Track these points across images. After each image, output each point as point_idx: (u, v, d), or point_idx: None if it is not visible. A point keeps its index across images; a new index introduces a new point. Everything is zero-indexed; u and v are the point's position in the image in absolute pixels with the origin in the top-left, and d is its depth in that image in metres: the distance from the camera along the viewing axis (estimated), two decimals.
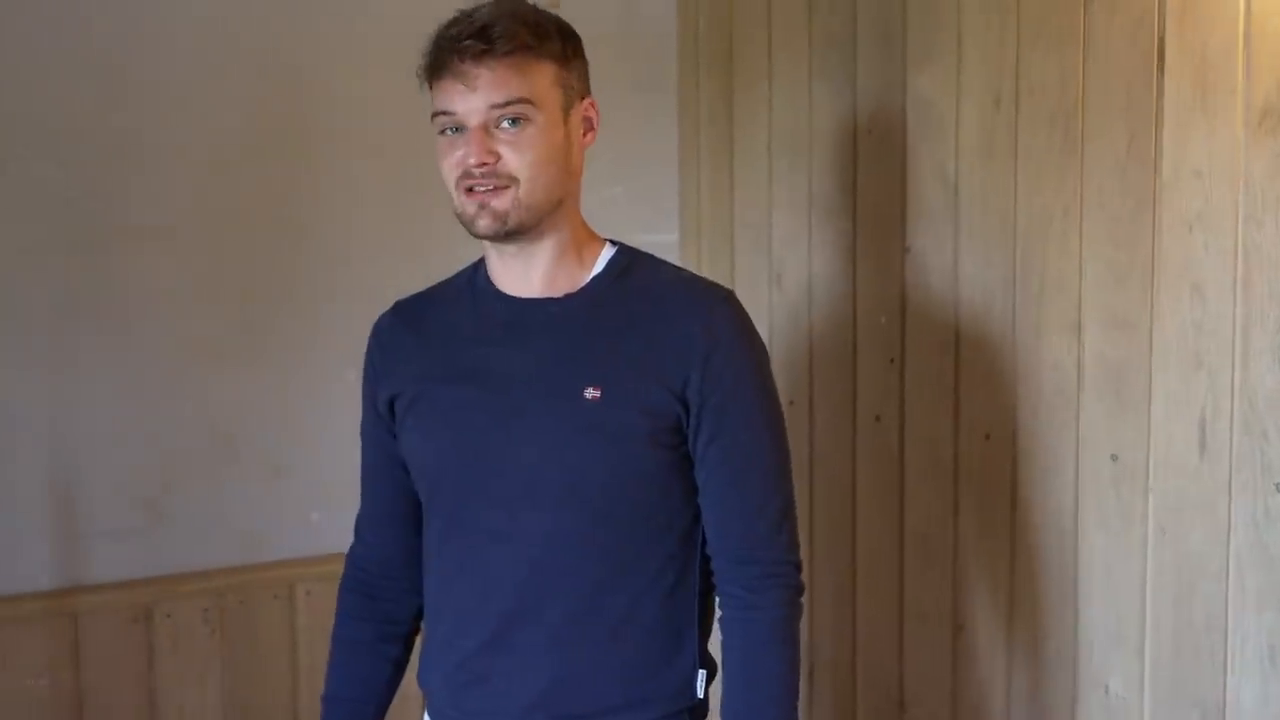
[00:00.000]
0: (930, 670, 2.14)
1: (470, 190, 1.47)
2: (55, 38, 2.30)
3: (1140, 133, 1.69)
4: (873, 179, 2.22)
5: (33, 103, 2.29)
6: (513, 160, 1.46)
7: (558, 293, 1.55)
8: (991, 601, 2.01)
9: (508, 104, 1.45)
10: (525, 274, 1.55)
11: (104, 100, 2.34)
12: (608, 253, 1.58)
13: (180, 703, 2.44)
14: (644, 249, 1.63)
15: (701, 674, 1.57)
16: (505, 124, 1.45)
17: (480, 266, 1.61)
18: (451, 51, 1.45)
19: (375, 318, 1.68)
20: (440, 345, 1.60)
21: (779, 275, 2.48)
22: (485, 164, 1.45)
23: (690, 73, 2.77)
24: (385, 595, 1.69)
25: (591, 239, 1.59)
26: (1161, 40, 1.65)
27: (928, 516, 2.13)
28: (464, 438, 1.54)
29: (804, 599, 1.56)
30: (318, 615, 2.39)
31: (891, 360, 2.19)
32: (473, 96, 1.45)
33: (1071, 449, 1.84)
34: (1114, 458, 1.77)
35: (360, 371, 1.68)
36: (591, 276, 1.56)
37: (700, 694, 1.57)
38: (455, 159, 1.47)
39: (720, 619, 1.57)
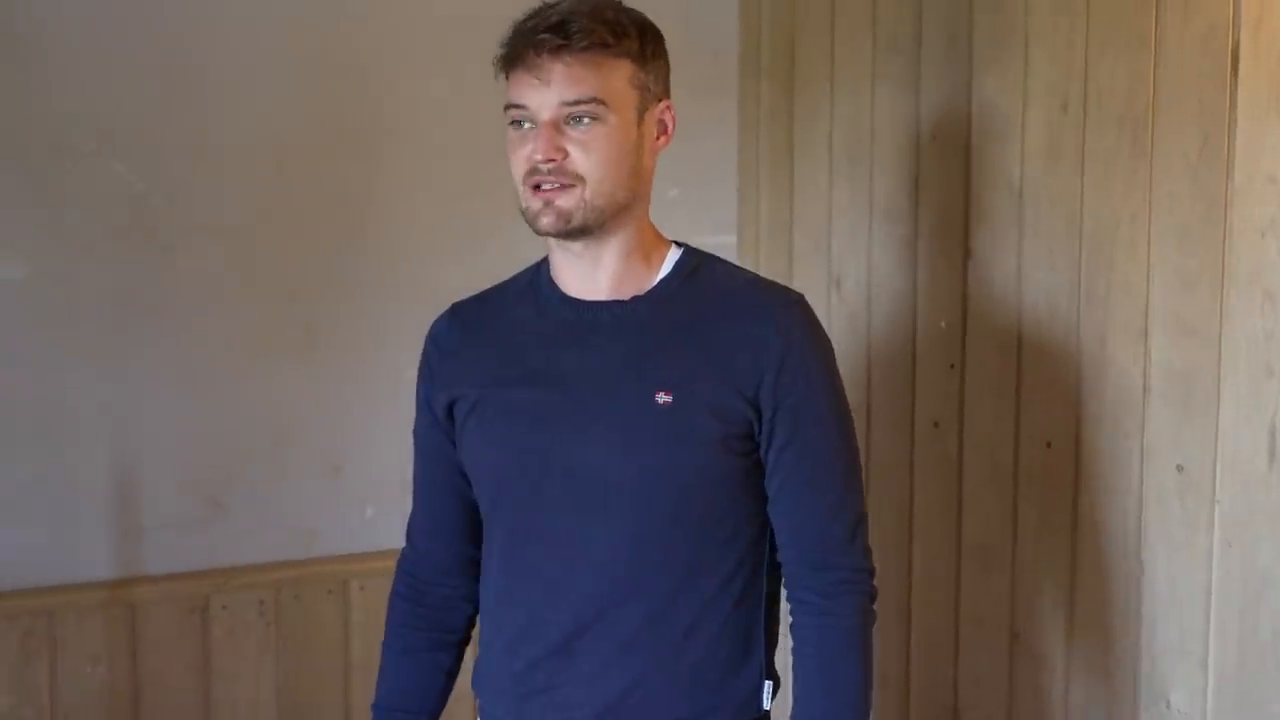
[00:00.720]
0: (986, 679, 2.11)
1: (536, 187, 1.45)
2: (120, 38, 2.34)
3: (1212, 137, 1.66)
4: (935, 183, 2.20)
5: (98, 102, 2.33)
6: (580, 159, 1.44)
7: (624, 295, 1.52)
8: (1050, 611, 1.99)
9: (578, 102, 1.43)
10: (592, 275, 1.52)
11: (168, 99, 2.37)
12: (674, 255, 1.56)
13: (234, 694, 2.46)
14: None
15: (768, 685, 1.55)
16: (575, 122, 1.43)
17: (543, 268, 1.59)
18: (527, 44, 1.43)
19: (434, 316, 1.65)
20: (503, 348, 1.56)
21: (838, 279, 2.46)
22: (552, 160, 1.43)
23: (751, 74, 2.76)
24: (438, 603, 1.66)
25: (659, 241, 1.56)
26: (1236, 45, 1.62)
27: (986, 525, 2.11)
28: (530, 442, 1.51)
29: (876, 606, 1.54)
30: (371, 610, 2.41)
31: (952, 366, 2.16)
32: (545, 91, 1.43)
33: (1136, 458, 1.81)
34: (1179, 468, 1.74)
35: (417, 371, 1.66)
36: (659, 279, 1.54)
37: (766, 705, 1.56)
38: (523, 154, 1.45)
39: (792, 625, 1.54)
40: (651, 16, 1.51)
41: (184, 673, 2.43)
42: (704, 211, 2.81)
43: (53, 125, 2.30)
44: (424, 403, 1.63)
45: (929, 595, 2.24)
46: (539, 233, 1.49)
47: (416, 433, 1.66)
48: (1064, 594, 1.95)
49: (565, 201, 1.44)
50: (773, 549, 1.56)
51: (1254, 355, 1.62)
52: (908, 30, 2.25)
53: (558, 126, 1.43)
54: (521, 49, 1.44)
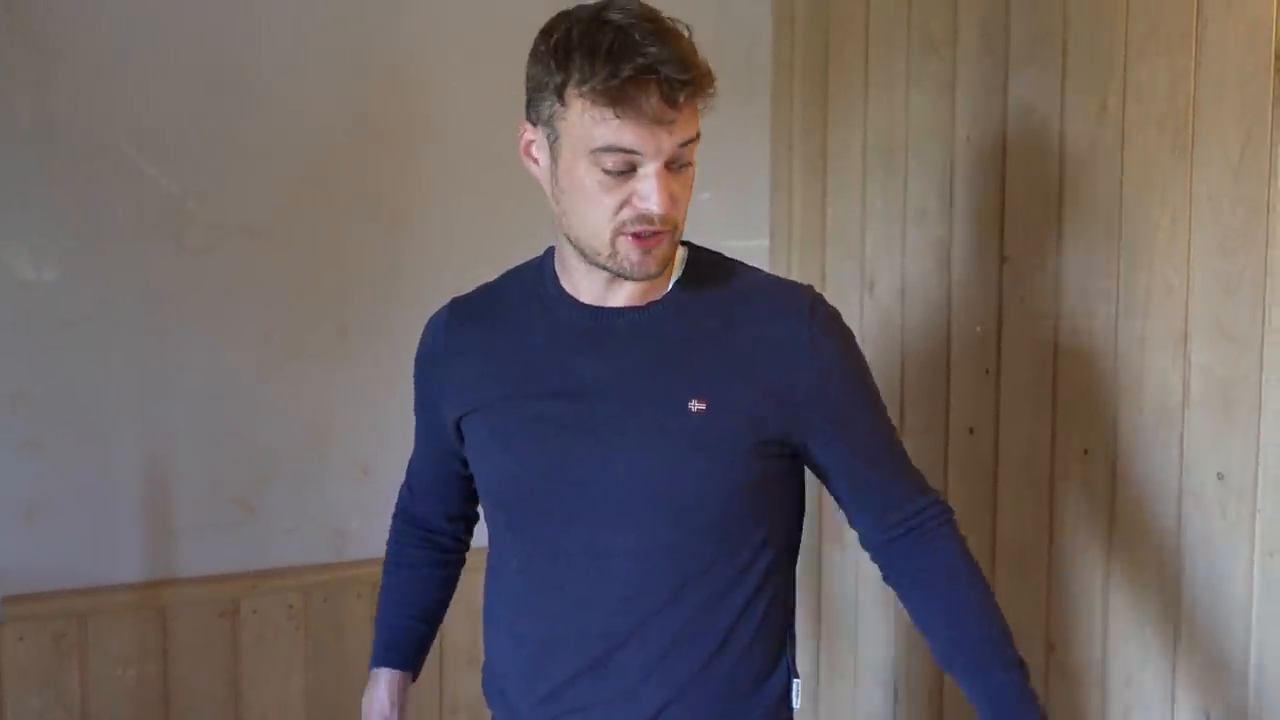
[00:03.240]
0: None
1: (636, 235, 1.36)
2: (153, 39, 2.34)
3: (1255, 139, 1.63)
4: (971, 185, 2.17)
5: (131, 103, 2.34)
6: (680, 205, 1.38)
7: (641, 300, 1.47)
8: (1086, 622, 1.95)
9: (690, 141, 1.35)
10: (618, 289, 1.47)
11: (202, 100, 2.38)
12: (681, 255, 1.51)
13: (264, 697, 2.47)
14: (735, 255, 1.57)
15: (796, 684, 1.54)
16: (679, 168, 1.36)
17: (546, 270, 1.53)
18: (646, 81, 1.30)
19: None
20: (512, 356, 1.50)
21: (871, 282, 2.44)
22: (668, 211, 1.35)
23: (785, 76, 2.74)
24: (434, 530, 1.75)
25: None
26: (1279, 43, 1.59)
27: (1021, 532, 2.08)
28: (555, 456, 1.45)
29: None
30: None
31: (987, 371, 2.14)
32: (666, 138, 1.32)
33: (1175, 466, 1.77)
34: (1220, 476, 1.70)
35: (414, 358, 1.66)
36: (672, 282, 1.49)
37: (796, 705, 1.55)
38: (620, 199, 1.35)
39: (900, 580, 1.54)
40: (685, 19, 1.47)
41: (214, 675, 2.44)
42: (737, 214, 2.80)
43: (86, 127, 2.31)
44: (422, 396, 1.64)
45: None
46: (628, 278, 1.41)
47: (416, 416, 1.68)
48: (1100, 604, 1.92)
49: (663, 249, 1.39)
50: (793, 548, 1.56)
51: None
52: (943, 30, 2.22)
53: (668, 169, 1.35)
54: (639, 87, 1.30)
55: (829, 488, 1.56)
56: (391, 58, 2.51)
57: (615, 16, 1.32)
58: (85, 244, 2.33)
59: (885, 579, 1.58)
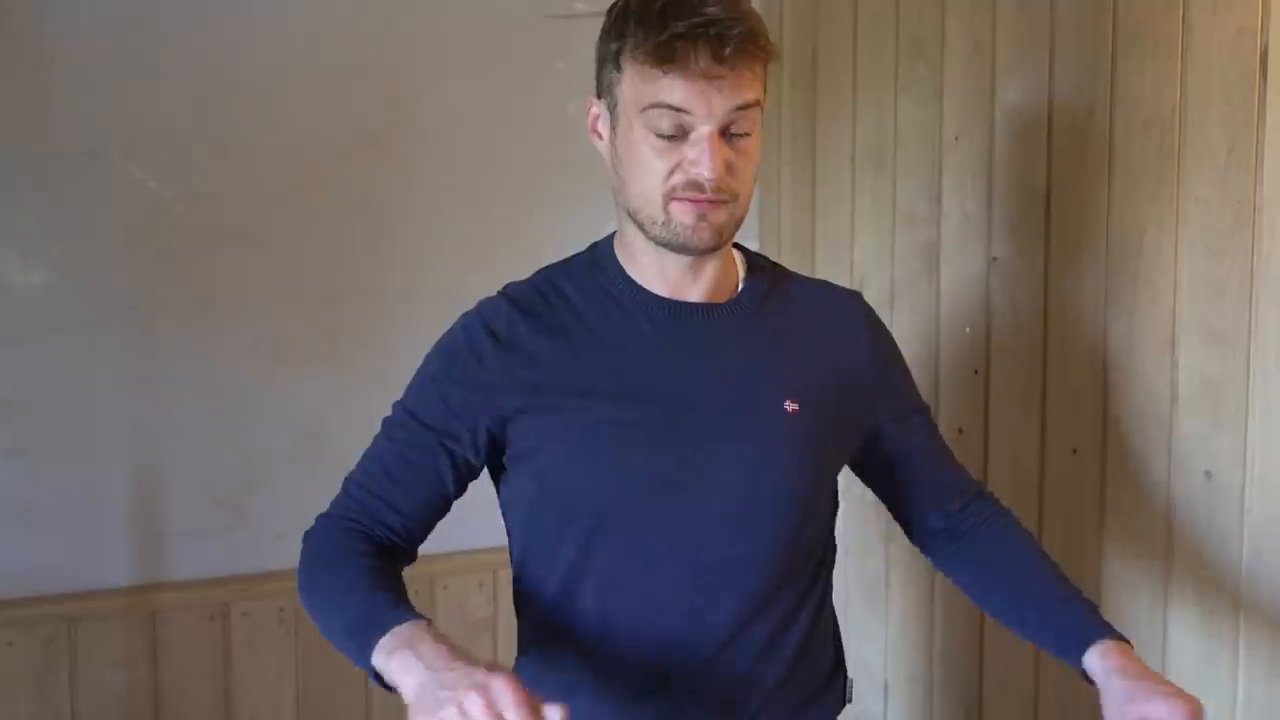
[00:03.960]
0: (1011, 687, 2.09)
1: (693, 202, 1.32)
2: (144, 44, 2.34)
3: (1241, 142, 1.64)
4: (959, 188, 2.18)
5: (122, 107, 2.33)
6: (739, 174, 1.33)
7: (718, 298, 1.45)
8: None
9: (746, 106, 1.31)
10: (693, 281, 1.43)
11: (192, 105, 2.38)
12: (737, 253, 1.52)
13: (255, 701, 2.46)
14: None
15: (850, 681, 1.56)
16: (735, 132, 1.32)
17: (603, 262, 1.46)
18: (697, 39, 1.26)
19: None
20: (588, 354, 1.40)
21: (861, 285, 2.45)
22: (721, 177, 1.31)
23: (773, 81, 2.74)
24: (397, 550, 1.44)
25: None
26: (1265, 47, 1.60)
27: None
28: (651, 462, 1.37)
29: None
30: None
31: (976, 372, 2.15)
32: (716, 97, 1.28)
33: (1164, 466, 1.79)
34: (1208, 475, 1.72)
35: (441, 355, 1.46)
36: (743, 282, 1.49)
37: (851, 699, 1.57)
38: (672, 163, 1.31)
39: (973, 550, 1.56)
40: None
41: (204, 680, 2.43)
42: None
43: (76, 131, 2.31)
44: (446, 403, 1.42)
45: (953, 602, 2.22)
46: (684, 252, 1.37)
47: (409, 423, 1.44)
48: None
49: (720, 218, 1.34)
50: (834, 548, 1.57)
51: None
52: (931, 35, 2.24)
53: (721, 136, 1.31)
54: (688, 44, 1.26)
55: (888, 482, 1.58)
56: (382, 63, 2.51)
57: None
58: (74, 248, 2.32)
59: (946, 557, 1.59)
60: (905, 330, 2.32)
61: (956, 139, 2.18)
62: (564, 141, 2.40)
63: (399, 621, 1.22)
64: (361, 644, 1.23)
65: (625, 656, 1.40)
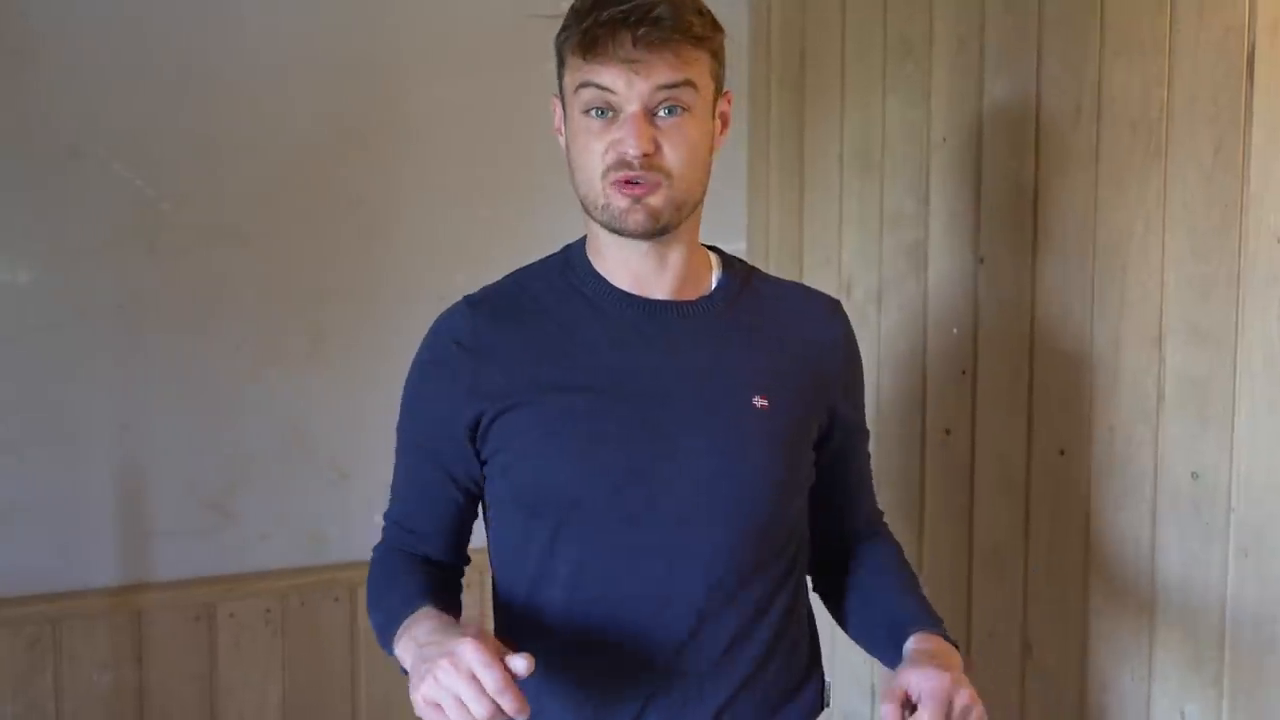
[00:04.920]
0: (998, 691, 2.09)
1: (625, 183, 1.36)
2: (128, 42, 2.34)
3: (1227, 142, 1.64)
4: (946, 189, 2.19)
5: (106, 106, 2.33)
6: (670, 153, 1.36)
7: (687, 296, 1.47)
8: (1063, 622, 1.96)
9: (674, 85, 1.34)
10: (656, 274, 1.45)
11: (176, 103, 2.37)
12: (712, 255, 1.54)
13: (240, 701, 2.46)
14: None
15: (828, 683, 1.56)
16: (664, 112, 1.35)
17: (574, 261, 1.49)
18: (617, 27, 1.32)
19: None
20: (558, 351, 1.43)
21: (848, 285, 2.45)
22: (646, 154, 1.34)
23: (761, 82, 2.75)
24: (444, 564, 1.53)
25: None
26: (1252, 48, 1.61)
27: (998, 533, 2.09)
28: (618, 456, 1.39)
29: None
30: None
31: (963, 372, 2.15)
32: (637, 78, 1.33)
33: (1150, 466, 1.79)
34: (1194, 475, 1.72)
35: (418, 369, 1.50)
36: (715, 280, 1.51)
37: (830, 702, 1.56)
38: (604, 145, 1.35)
39: (854, 574, 1.59)
40: None
41: (190, 679, 2.43)
42: (714, 219, 2.76)
43: (60, 130, 2.30)
44: (435, 412, 1.46)
45: (940, 604, 2.21)
46: (622, 234, 1.40)
47: (412, 440, 1.50)
48: (1077, 603, 1.93)
49: (655, 200, 1.36)
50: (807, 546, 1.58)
51: (1270, 362, 1.61)
52: (919, 35, 2.24)
53: (648, 117, 1.35)
54: (606, 32, 1.32)
55: (814, 488, 1.57)
56: (370, 63, 2.50)
57: None
58: (59, 247, 2.32)
59: (824, 573, 1.62)
60: (892, 330, 2.33)
61: (944, 139, 2.18)
62: (552, 141, 2.37)
63: (411, 613, 1.32)
64: (387, 646, 1.36)
65: (595, 647, 1.42)
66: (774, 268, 2.71)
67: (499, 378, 1.42)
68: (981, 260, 2.10)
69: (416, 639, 1.25)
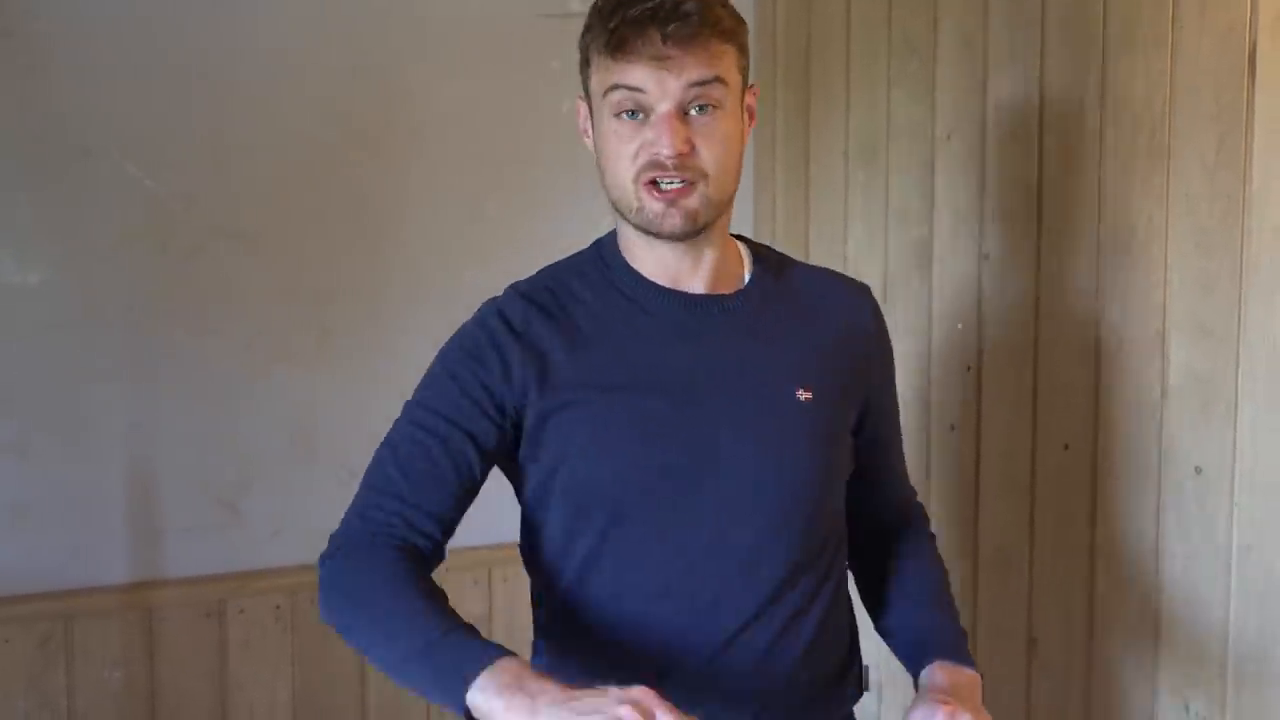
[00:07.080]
0: (1003, 685, 2.10)
1: (654, 184, 1.35)
2: (139, 42, 2.34)
3: (1230, 139, 1.65)
4: (951, 185, 2.19)
5: (116, 106, 2.33)
6: (704, 153, 1.34)
7: (726, 289, 1.46)
8: (1067, 616, 1.97)
9: (704, 83, 1.32)
10: (692, 270, 1.44)
11: (187, 104, 2.38)
12: (741, 245, 1.53)
13: (251, 698, 2.47)
14: None
15: (867, 668, 1.57)
16: (696, 110, 1.34)
17: (607, 256, 1.48)
18: (645, 24, 1.30)
19: (451, 320, 1.49)
20: (602, 347, 1.42)
21: None
22: (680, 155, 1.33)
23: (767, 79, 2.75)
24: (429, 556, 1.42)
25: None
26: (1254, 45, 1.61)
27: (1003, 528, 2.10)
28: (667, 450, 1.38)
29: None
30: None
31: (969, 368, 2.16)
32: (668, 77, 1.31)
33: (1154, 461, 1.80)
34: (1198, 470, 1.73)
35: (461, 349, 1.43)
36: (749, 272, 1.50)
37: (868, 687, 1.57)
38: (636, 146, 1.34)
39: (884, 578, 1.60)
40: None
41: (200, 677, 2.44)
42: None
43: (70, 130, 2.31)
44: (472, 396, 1.40)
45: None
46: (658, 236, 1.39)
47: (438, 421, 1.41)
48: (1082, 598, 1.94)
49: (691, 201, 1.36)
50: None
51: (1273, 357, 1.61)
52: (923, 32, 2.24)
53: (680, 115, 1.33)
54: (635, 31, 1.31)
55: (867, 477, 1.59)
56: (378, 63, 2.51)
57: None
58: (70, 247, 2.33)
59: (857, 557, 1.62)
60: (898, 327, 2.33)
61: (948, 136, 2.19)
62: (559, 140, 2.40)
63: (489, 657, 1.19)
64: (446, 679, 1.20)
65: (641, 643, 1.40)
66: None
67: (546, 372, 1.40)
68: (986, 256, 2.11)
69: (546, 695, 1.14)
